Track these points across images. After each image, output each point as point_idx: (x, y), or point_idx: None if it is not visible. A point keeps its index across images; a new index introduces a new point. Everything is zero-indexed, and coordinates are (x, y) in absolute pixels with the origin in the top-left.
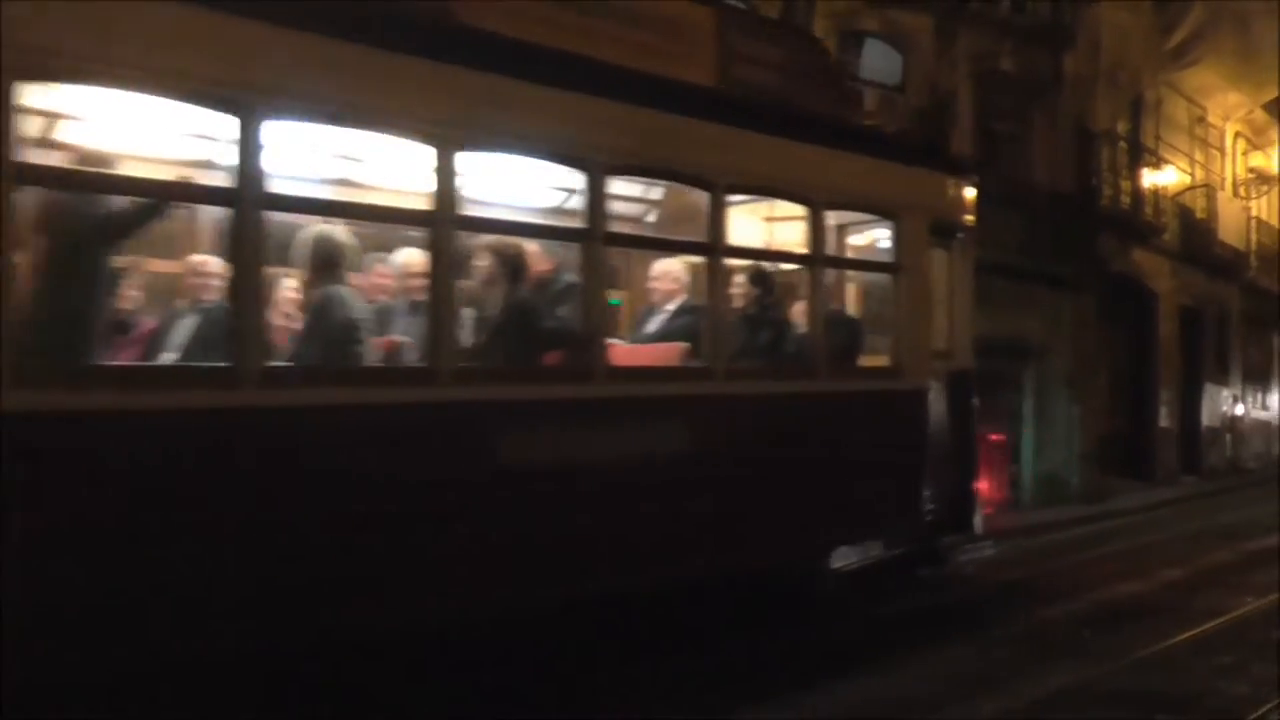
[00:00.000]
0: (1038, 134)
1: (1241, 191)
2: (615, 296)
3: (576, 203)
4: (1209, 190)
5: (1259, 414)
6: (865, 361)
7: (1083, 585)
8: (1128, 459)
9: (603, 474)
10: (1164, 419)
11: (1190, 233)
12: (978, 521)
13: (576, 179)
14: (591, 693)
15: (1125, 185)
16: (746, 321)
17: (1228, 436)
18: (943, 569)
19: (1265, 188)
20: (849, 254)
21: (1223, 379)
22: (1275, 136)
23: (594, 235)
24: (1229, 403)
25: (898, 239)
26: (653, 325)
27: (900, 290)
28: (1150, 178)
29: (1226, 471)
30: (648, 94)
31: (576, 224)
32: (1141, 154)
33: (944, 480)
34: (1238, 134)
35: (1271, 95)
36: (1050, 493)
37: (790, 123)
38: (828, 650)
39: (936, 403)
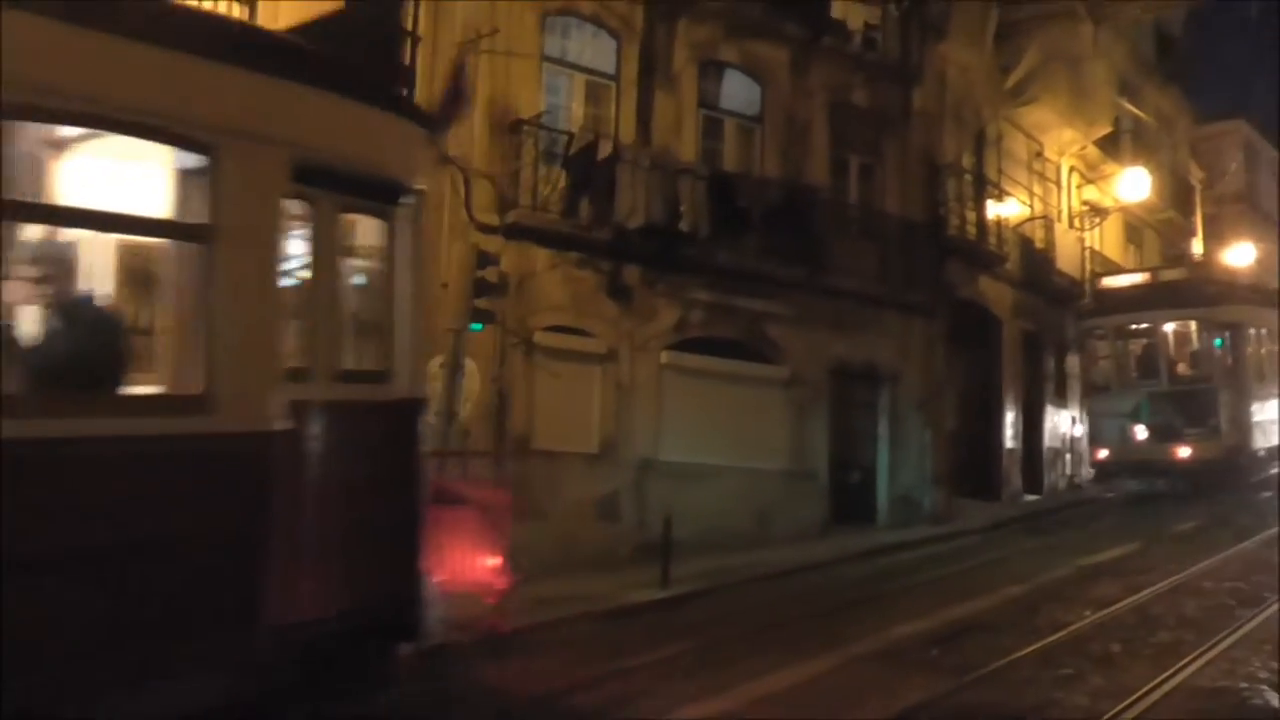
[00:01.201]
0: (889, 165)
1: (1077, 223)
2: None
3: None
4: (1047, 221)
5: None
6: (137, 390)
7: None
8: (975, 479)
9: None
10: (1008, 440)
11: (1030, 262)
12: (435, 618)
13: None
14: None
15: (971, 216)
16: None
17: (1067, 456)
18: (384, 693)
19: (1098, 219)
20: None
21: (1061, 401)
22: (1106, 171)
23: None
24: (1068, 424)
25: (215, 185)
26: None
27: (217, 269)
28: (993, 209)
29: (1066, 489)
30: None
31: None
32: (985, 186)
33: (368, 565)
34: (1072, 168)
35: (1102, 132)
36: (904, 514)
37: None
38: None
39: (359, 449)
